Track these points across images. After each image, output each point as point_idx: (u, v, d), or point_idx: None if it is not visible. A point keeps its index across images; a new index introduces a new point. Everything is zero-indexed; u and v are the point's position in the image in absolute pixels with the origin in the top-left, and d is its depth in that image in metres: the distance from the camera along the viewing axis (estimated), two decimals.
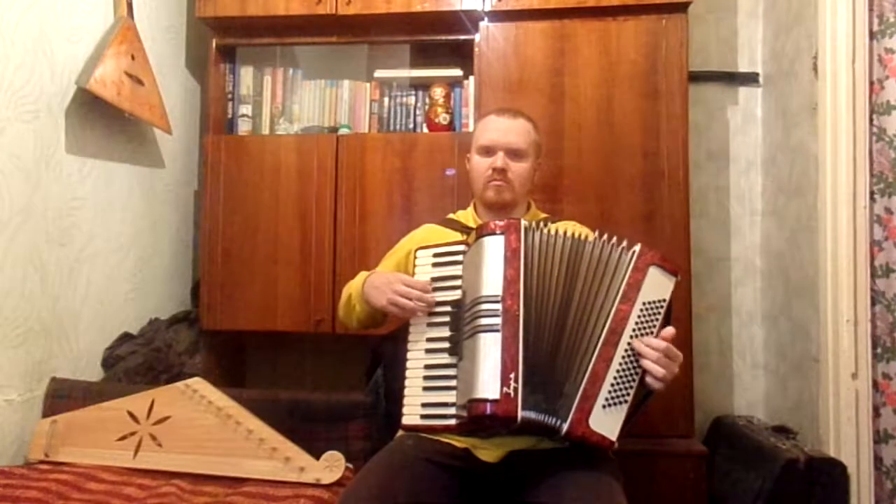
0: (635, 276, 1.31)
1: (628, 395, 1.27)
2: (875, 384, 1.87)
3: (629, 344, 1.28)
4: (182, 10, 2.49)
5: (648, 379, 1.28)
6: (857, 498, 1.83)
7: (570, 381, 1.27)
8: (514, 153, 1.56)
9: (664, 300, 1.32)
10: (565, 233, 1.37)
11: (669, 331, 1.30)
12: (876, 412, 1.87)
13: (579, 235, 1.37)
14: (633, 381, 1.28)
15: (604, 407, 1.25)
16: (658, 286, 1.32)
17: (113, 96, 1.96)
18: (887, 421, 1.85)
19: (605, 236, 1.37)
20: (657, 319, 1.31)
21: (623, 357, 1.28)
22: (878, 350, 1.88)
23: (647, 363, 1.27)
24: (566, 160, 2.10)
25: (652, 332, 1.30)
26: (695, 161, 2.23)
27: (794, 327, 2.16)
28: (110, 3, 2.08)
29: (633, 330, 1.29)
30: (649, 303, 1.30)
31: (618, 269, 1.32)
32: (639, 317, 1.29)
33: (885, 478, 1.85)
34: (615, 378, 1.27)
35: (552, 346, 1.30)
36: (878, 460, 1.87)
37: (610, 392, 1.26)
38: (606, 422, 1.24)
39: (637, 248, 1.34)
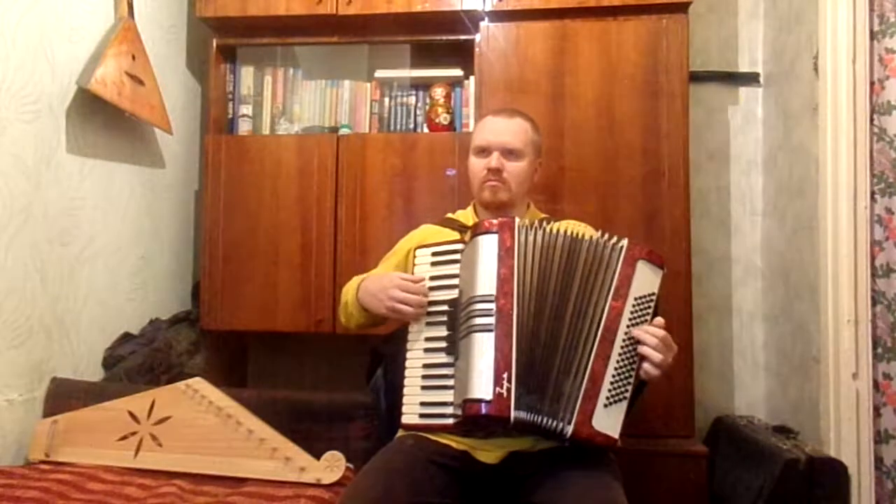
0: (625, 272, 1.31)
1: (627, 391, 1.27)
2: (875, 384, 1.87)
3: (625, 337, 1.28)
4: (182, 10, 2.49)
5: (646, 365, 1.28)
6: (858, 498, 1.83)
7: (569, 381, 1.27)
8: (509, 153, 1.55)
9: (653, 294, 1.32)
10: (559, 231, 1.35)
11: (661, 321, 1.31)
12: (876, 412, 1.87)
13: (574, 233, 1.36)
14: (631, 376, 1.28)
15: (605, 406, 1.25)
16: (647, 280, 1.32)
17: (113, 96, 1.96)
18: (888, 421, 1.85)
19: (599, 233, 1.37)
20: (648, 314, 1.31)
21: (620, 354, 1.28)
22: (879, 350, 1.88)
23: (646, 349, 1.27)
24: (566, 160, 2.10)
25: None
26: (695, 161, 2.22)
27: (794, 327, 2.16)
28: (111, 4, 2.08)
29: (627, 326, 1.29)
30: (640, 297, 1.30)
31: (609, 266, 1.32)
32: (631, 312, 1.29)
33: (886, 478, 1.85)
34: (614, 375, 1.27)
35: (549, 345, 1.29)
36: (878, 460, 1.86)
37: (610, 390, 1.26)
38: (609, 420, 1.25)
39: (624, 242, 1.33)
